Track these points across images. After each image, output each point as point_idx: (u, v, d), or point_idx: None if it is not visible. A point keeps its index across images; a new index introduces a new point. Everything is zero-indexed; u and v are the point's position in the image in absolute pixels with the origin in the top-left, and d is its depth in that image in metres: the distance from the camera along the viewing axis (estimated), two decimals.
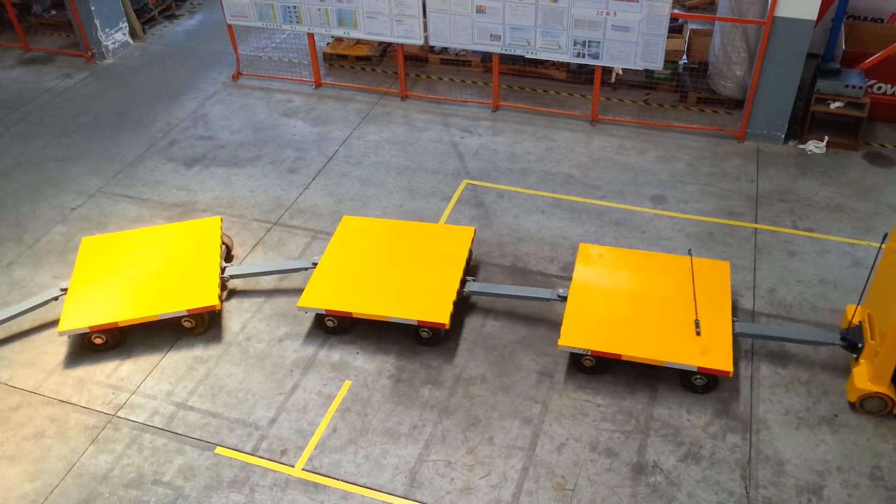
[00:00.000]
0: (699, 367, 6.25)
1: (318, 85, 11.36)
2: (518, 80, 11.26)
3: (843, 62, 9.61)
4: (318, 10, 10.38)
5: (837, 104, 9.28)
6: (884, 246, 6.23)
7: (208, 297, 7.10)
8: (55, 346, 7.24)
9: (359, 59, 11.79)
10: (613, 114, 10.40)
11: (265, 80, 11.56)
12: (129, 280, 7.38)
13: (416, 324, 6.84)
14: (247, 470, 6.13)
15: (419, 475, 6.03)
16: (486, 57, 11.27)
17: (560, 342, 6.52)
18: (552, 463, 6.07)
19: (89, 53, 12.25)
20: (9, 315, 7.22)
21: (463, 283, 7.25)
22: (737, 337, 6.68)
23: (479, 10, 9.65)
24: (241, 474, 6.10)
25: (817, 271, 7.75)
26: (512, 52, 9.94)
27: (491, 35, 9.83)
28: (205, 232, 7.87)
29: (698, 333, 6.47)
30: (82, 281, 7.39)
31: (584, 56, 9.63)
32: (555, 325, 7.25)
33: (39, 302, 7.33)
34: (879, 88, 9.79)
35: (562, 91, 11.02)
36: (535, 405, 6.53)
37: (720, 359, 6.26)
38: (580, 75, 10.99)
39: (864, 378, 6.23)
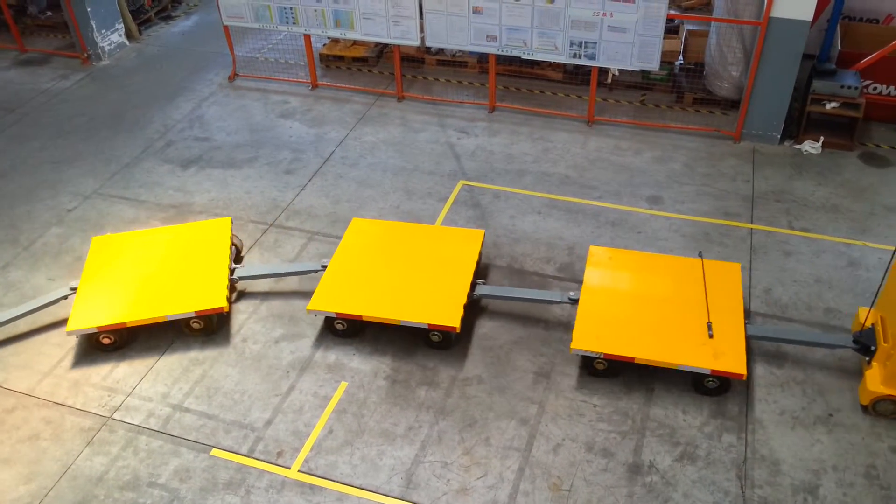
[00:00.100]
0: (712, 370, 6.23)
1: (315, 86, 11.36)
2: (514, 80, 11.26)
3: (839, 63, 9.62)
4: (315, 11, 10.38)
5: (833, 104, 9.30)
6: None
7: (216, 298, 7.08)
8: (50, 348, 7.23)
9: (355, 60, 11.79)
10: (610, 114, 10.41)
11: (261, 81, 11.55)
12: (138, 280, 7.37)
13: (426, 327, 6.81)
14: (242, 472, 6.12)
15: (415, 476, 6.02)
16: (482, 58, 11.27)
17: (572, 345, 6.49)
18: (548, 463, 6.07)
19: (85, 55, 12.24)
20: (19, 313, 7.22)
21: (473, 286, 7.22)
22: (749, 339, 6.65)
23: (476, 10, 9.65)
24: (237, 476, 6.09)
25: (813, 271, 7.76)
26: (508, 53, 9.94)
27: (487, 36, 9.84)
28: (215, 233, 7.85)
29: (711, 336, 6.45)
30: (92, 280, 7.38)
31: (580, 57, 9.64)
32: (551, 325, 7.26)
33: (49, 301, 7.33)
34: (875, 89, 9.81)
35: (558, 92, 11.03)
36: (531, 406, 6.53)
37: (733, 362, 6.23)
38: (577, 76, 11.00)
39: (876, 381, 6.20)
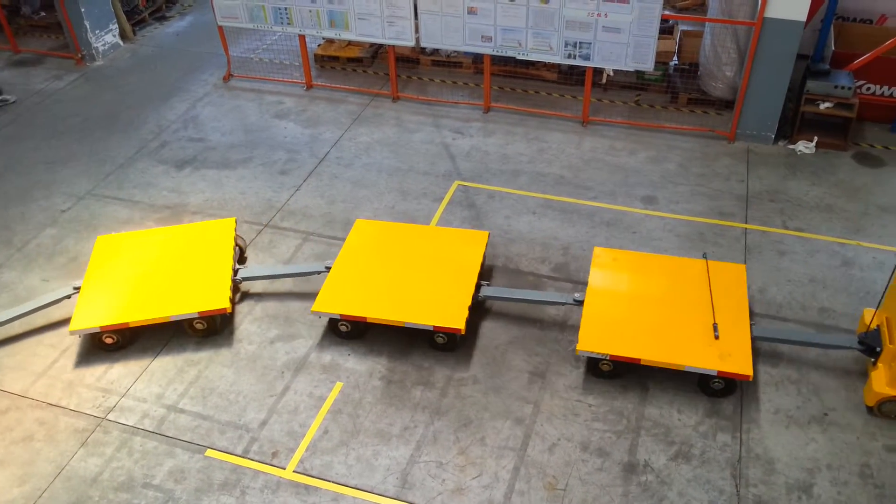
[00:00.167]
0: (719, 371, 6.22)
1: (310, 86, 11.35)
2: (509, 81, 11.27)
3: (833, 63, 9.66)
4: (310, 11, 10.37)
5: (827, 105, 9.33)
6: None
7: (219, 299, 7.07)
8: (44, 350, 7.21)
9: (350, 60, 11.79)
10: (604, 115, 10.42)
11: (256, 81, 11.54)
12: (142, 280, 7.34)
13: (431, 329, 6.80)
14: (237, 472, 6.11)
15: (411, 476, 6.02)
16: (477, 58, 11.28)
17: (578, 347, 6.47)
18: (544, 463, 6.08)
19: (79, 55, 12.21)
20: (22, 312, 7.20)
21: (477, 287, 7.21)
22: (755, 340, 6.66)
23: (471, 11, 9.66)
24: (232, 476, 6.07)
25: (807, 271, 7.78)
26: (503, 54, 9.95)
27: (482, 36, 9.84)
28: (219, 233, 7.83)
29: (717, 337, 6.45)
30: (95, 280, 7.36)
31: (575, 57, 9.65)
32: (546, 325, 7.26)
33: (52, 300, 7.31)
34: (868, 89, 9.84)
35: (553, 92, 11.04)
36: (526, 405, 6.53)
37: (740, 363, 6.23)
38: (571, 76, 11.02)
39: (882, 382, 6.19)
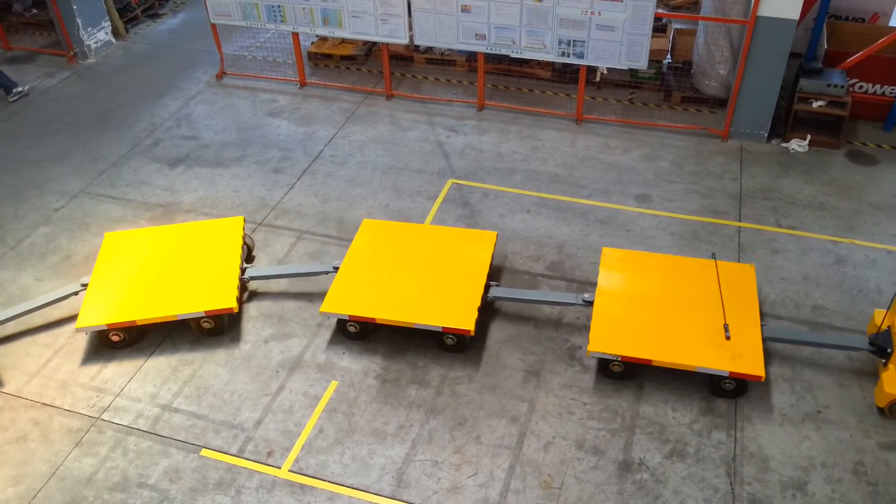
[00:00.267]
0: (731, 372, 6.22)
1: (303, 84, 11.32)
2: (503, 79, 11.27)
3: (826, 61, 9.69)
4: (303, 9, 10.34)
5: (820, 103, 9.37)
6: None
7: (226, 299, 7.04)
8: (38, 349, 7.18)
9: (344, 58, 11.77)
10: (598, 113, 10.43)
11: (249, 79, 11.50)
12: (150, 278, 7.31)
13: (440, 330, 6.77)
14: (233, 472, 6.10)
15: (406, 475, 6.02)
16: (471, 56, 11.27)
17: (589, 348, 6.45)
18: (539, 461, 6.09)
19: (71, 53, 12.14)
20: (27, 308, 7.17)
21: (486, 288, 7.19)
22: (766, 341, 6.65)
23: (464, 9, 9.65)
24: (227, 476, 6.07)
25: (800, 269, 7.81)
26: (497, 52, 9.95)
27: (476, 34, 9.84)
28: (227, 231, 7.80)
29: (728, 338, 6.45)
30: (103, 277, 7.33)
31: (568, 55, 9.66)
32: (541, 323, 7.27)
33: (60, 296, 7.28)
34: (861, 87, 9.88)
35: (547, 90, 11.04)
36: (521, 404, 6.54)
37: (751, 363, 6.22)
38: (565, 74, 11.02)
39: (893, 383, 6.19)
